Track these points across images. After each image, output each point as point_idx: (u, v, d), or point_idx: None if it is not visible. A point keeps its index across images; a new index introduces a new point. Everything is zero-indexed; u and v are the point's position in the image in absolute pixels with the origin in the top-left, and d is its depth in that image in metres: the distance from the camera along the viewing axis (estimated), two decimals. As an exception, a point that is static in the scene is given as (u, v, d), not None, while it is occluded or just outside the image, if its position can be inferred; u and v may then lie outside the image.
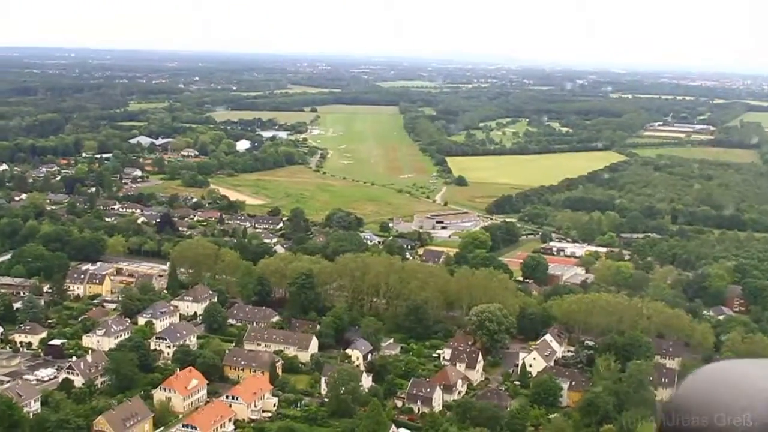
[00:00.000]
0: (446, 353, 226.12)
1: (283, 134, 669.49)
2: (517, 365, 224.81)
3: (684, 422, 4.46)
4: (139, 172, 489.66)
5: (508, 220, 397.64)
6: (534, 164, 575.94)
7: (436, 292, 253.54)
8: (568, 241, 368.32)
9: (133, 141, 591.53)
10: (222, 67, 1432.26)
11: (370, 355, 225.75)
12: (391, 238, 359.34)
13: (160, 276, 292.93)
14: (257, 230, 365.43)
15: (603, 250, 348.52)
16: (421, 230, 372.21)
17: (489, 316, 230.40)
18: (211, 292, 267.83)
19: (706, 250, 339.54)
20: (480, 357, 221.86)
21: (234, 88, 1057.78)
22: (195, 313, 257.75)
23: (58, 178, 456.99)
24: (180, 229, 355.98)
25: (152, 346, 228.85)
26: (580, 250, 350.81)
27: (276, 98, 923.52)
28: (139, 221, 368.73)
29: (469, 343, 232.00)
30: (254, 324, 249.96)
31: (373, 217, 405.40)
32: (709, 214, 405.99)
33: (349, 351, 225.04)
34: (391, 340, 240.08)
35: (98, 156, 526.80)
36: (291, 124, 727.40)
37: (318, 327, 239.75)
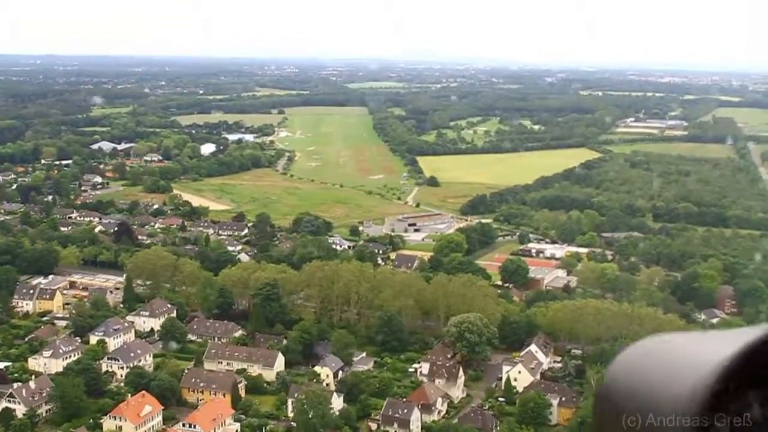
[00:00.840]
0: (423, 368, 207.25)
1: (249, 137, 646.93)
2: (501, 379, 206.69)
3: (618, 402, 4.27)
4: (99, 179, 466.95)
5: (483, 221, 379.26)
6: (507, 163, 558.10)
7: (410, 301, 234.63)
8: (547, 242, 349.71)
9: (95, 147, 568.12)
10: (188, 72, 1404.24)
11: (341, 371, 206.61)
12: (361, 242, 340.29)
13: (117, 288, 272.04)
14: (221, 237, 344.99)
15: (584, 250, 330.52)
16: (392, 233, 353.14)
17: (469, 327, 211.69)
18: (169, 305, 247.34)
19: (692, 248, 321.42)
20: (461, 371, 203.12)
21: (200, 91, 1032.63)
22: (152, 329, 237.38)
23: (14, 186, 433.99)
24: (139, 237, 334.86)
25: (104, 368, 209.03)
26: (561, 251, 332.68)
27: (243, 101, 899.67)
28: (97, 230, 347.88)
29: (448, 356, 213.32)
30: (216, 339, 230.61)
31: (343, 220, 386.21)
32: (691, 210, 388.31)
33: (318, 368, 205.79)
34: (364, 354, 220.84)
35: (57, 163, 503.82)
36: (258, 126, 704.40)
37: (284, 342, 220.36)
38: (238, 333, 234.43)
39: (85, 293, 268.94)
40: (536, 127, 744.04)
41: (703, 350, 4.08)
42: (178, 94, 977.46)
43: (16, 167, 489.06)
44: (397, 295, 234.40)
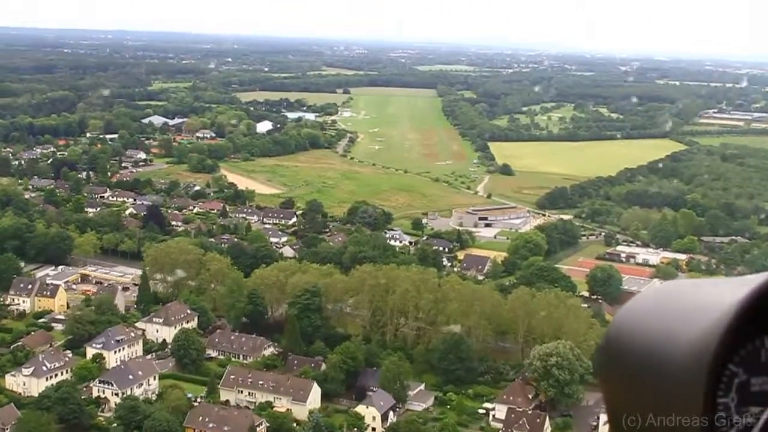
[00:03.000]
0: (498, 411, 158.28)
1: (310, 116, 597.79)
2: (596, 429, 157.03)
3: (626, 349, 4.11)
4: (143, 155, 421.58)
5: (564, 217, 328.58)
6: (585, 152, 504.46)
7: (483, 319, 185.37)
8: (638, 245, 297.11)
9: (145, 121, 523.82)
10: (257, 50, 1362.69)
11: (391, 412, 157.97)
12: (424, 237, 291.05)
13: (135, 285, 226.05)
14: (266, 226, 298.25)
15: (683, 257, 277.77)
16: (461, 228, 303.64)
17: (558, 362, 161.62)
18: (189, 311, 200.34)
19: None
20: (547, 422, 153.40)
21: (266, 69, 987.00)
22: (164, 340, 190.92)
23: (49, 161, 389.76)
24: (173, 223, 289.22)
25: (95, 393, 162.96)
26: (655, 256, 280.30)
27: (308, 79, 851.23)
28: (128, 212, 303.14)
29: (530, 396, 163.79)
30: (240, 357, 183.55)
31: (405, 210, 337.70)
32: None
33: (362, 408, 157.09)
34: (422, 386, 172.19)
35: (101, 137, 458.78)
36: (320, 105, 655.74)
37: (323, 367, 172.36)
38: (269, 351, 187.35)
39: (94, 290, 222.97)
40: (614, 115, 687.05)
41: (714, 295, 3.97)
42: (242, 71, 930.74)
43: (57, 140, 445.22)
44: (467, 311, 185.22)
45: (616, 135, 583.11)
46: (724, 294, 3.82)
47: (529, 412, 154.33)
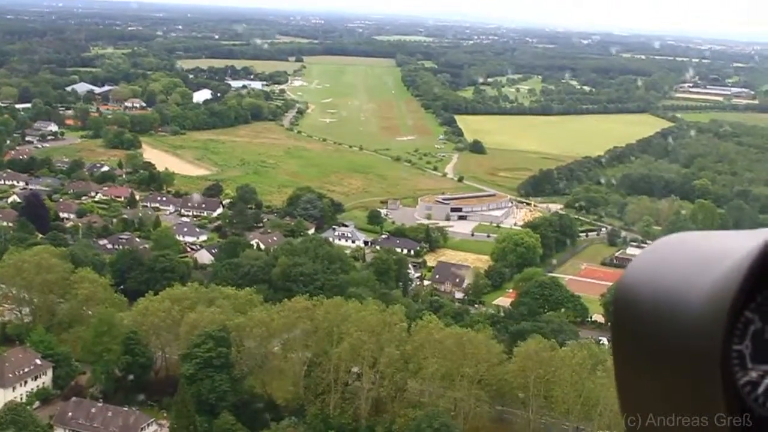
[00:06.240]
0: None
1: (257, 84, 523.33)
2: None
3: (637, 295, 4.00)
4: (54, 128, 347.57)
5: (552, 206, 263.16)
6: (562, 127, 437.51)
7: (474, 386, 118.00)
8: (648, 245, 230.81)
9: (69, 89, 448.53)
10: (210, 18, 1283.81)
11: None
12: (384, 236, 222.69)
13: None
14: (184, 219, 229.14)
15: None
16: (429, 222, 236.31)
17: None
18: (39, 361, 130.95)
19: None
20: None
21: (216, 36, 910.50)
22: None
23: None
24: (63, 216, 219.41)
25: None
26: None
27: (259, 47, 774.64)
28: (9, 201, 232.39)
29: None
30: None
31: (359, 197, 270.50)
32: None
33: None
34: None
35: (13, 106, 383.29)
36: (269, 73, 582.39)
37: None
38: (151, 429, 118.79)
39: None
40: (585, 88, 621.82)
41: (728, 244, 3.83)
42: (190, 38, 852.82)
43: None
44: (451, 374, 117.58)
45: (593, 108, 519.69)
46: (738, 244, 3.71)
47: None
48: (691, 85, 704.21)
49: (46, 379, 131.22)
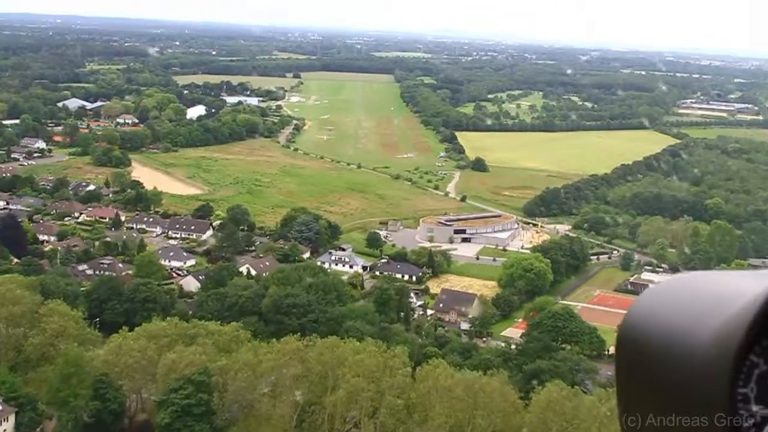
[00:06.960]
0: None
1: (253, 100, 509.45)
2: None
3: (641, 333, 3.99)
4: (41, 144, 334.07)
5: (559, 227, 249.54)
6: (566, 144, 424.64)
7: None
8: (665, 270, 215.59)
9: (60, 104, 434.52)
10: (208, 34, 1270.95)
11: None
12: (384, 260, 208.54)
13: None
14: (171, 242, 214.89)
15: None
16: (431, 245, 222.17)
17: None
18: (0, 406, 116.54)
19: None
20: None
21: (213, 52, 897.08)
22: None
23: None
24: (41, 239, 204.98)
25: None
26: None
27: (256, 62, 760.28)
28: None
29: None
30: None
31: (357, 217, 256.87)
32: None
33: None
34: None
35: (1, 122, 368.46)
36: (266, 89, 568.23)
37: None
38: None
39: None
40: (587, 104, 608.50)
41: (736, 286, 3.81)
42: (186, 54, 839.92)
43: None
44: (462, 425, 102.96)
45: (595, 125, 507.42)
46: (746, 285, 3.71)
47: None
48: (693, 101, 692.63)
49: (7, 426, 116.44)
